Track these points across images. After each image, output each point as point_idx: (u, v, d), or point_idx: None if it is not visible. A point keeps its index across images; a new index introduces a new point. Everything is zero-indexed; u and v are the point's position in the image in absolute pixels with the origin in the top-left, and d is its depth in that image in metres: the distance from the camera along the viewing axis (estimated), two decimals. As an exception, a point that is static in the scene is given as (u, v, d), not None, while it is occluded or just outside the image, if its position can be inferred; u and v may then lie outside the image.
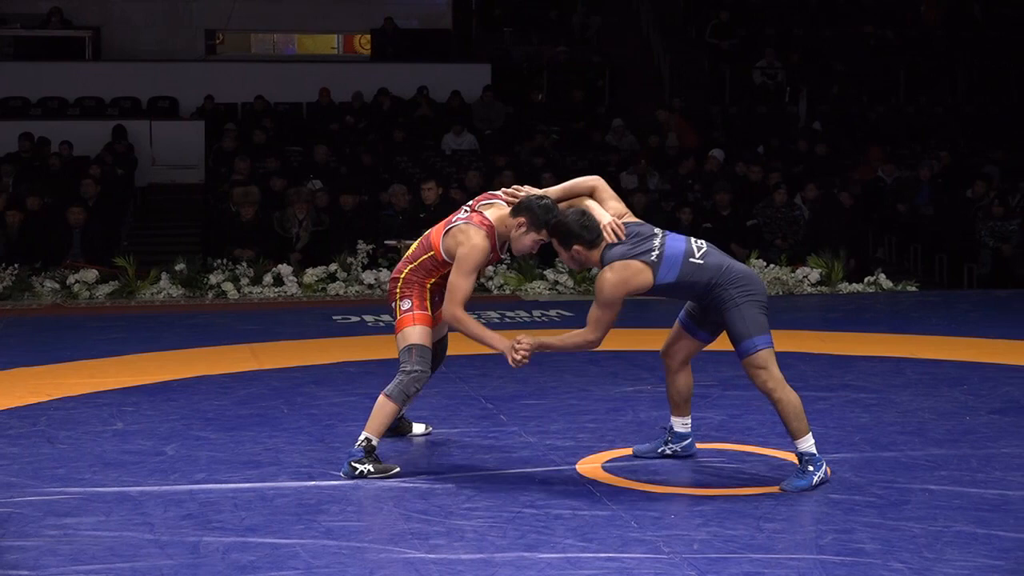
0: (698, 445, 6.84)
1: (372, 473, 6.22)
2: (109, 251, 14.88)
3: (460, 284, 6.26)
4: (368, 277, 14.58)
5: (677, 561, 5.01)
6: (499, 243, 6.41)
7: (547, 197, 6.30)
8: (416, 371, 6.34)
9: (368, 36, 23.48)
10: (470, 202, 6.55)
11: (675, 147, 19.42)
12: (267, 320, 12.44)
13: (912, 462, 6.55)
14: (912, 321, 12.14)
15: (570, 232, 6.12)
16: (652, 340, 9.57)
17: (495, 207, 6.42)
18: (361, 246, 14.84)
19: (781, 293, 14.42)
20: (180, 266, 14.50)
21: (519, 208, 6.26)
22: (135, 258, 14.45)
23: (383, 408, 6.33)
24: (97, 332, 11.50)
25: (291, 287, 14.45)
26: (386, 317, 12.48)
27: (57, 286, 14.10)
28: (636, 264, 6.02)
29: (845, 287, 14.79)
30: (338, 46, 24.93)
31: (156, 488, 6.11)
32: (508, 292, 14.59)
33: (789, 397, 6.08)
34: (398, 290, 6.52)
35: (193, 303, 14.05)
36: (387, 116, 19.99)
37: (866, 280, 14.94)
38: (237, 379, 9.08)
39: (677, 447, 6.68)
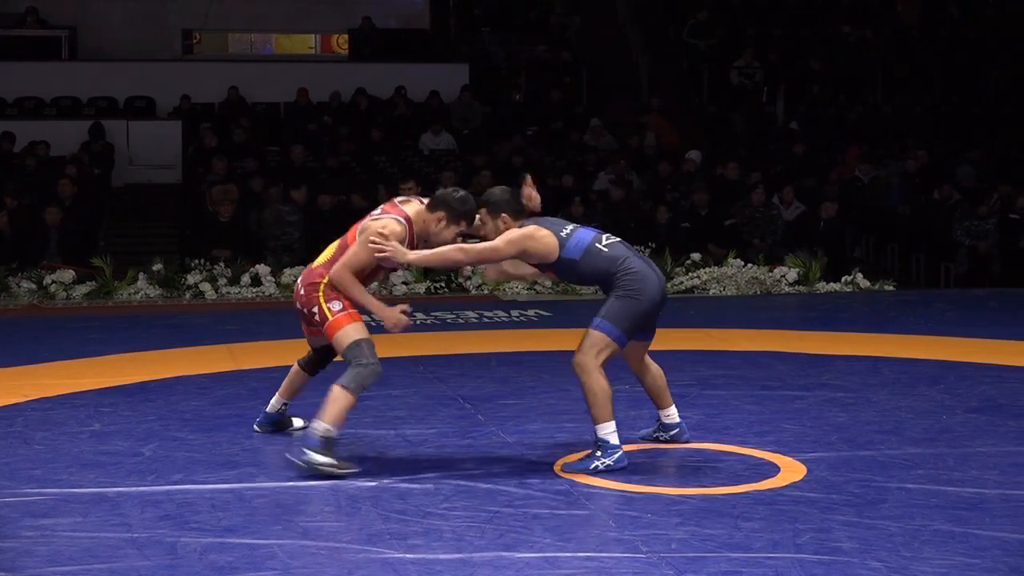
0: (675, 446, 6.86)
1: (333, 467, 6.18)
2: (86, 251, 14.84)
3: (359, 252, 6.45)
4: (346, 277, 14.53)
5: (655, 560, 5.01)
6: (416, 238, 6.58)
7: (462, 190, 6.67)
8: (372, 363, 6.38)
9: (346, 36, 23.46)
10: (382, 205, 6.71)
11: (652, 146, 19.42)
12: (245, 320, 12.41)
13: (889, 461, 6.56)
14: (889, 320, 12.17)
15: (500, 201, 6.56)
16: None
17: (411, 203, 6.63)
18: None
19: (759, 292, 14.46)
20: (158, 266, 14.47)
21: (436, 203, 6.55)
22: (112, 258, 14.41)
23: (341, 399, 6.30)
24: (74, 333, 11.47)
25: (269, 287, 14.42)
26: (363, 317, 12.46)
27: (34, 286, 14.05)
28: (546, 231, 6.44)
29: (823, 286, 14.83)
30: (316, 46, 24.89)
31: (133, 489, 6.09)
32: (486, 292, 14.59)
33: (598, 384, 6.33)
34: (319, 295, 6.53)
35: (171, 303, 14.02)
36: (365, 116, 19.96)
37: (843, 279, 14.98)
38: (215, 379, 9.07)
39: (666, 435, 6.94)
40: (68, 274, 14.20)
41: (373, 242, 6.34)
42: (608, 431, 6.33)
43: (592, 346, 6.35)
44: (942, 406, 7.96)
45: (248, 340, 10.97)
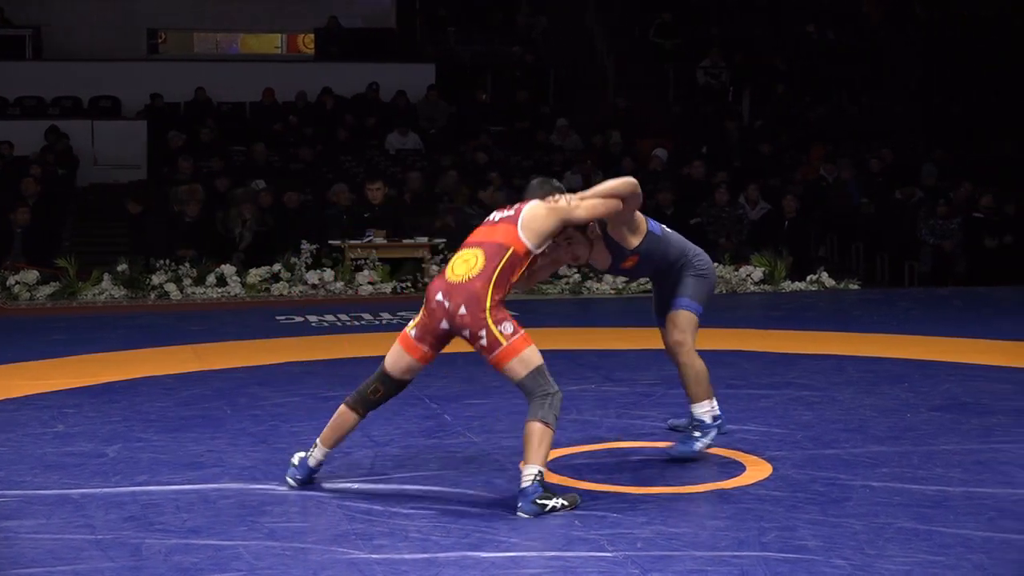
0: (640, 444, 6.87)
1: (566, 507, 5.68)
2: (50, 252, 14.77)
3: (589, 199, 6.04)
4: (312, 277, 14.53)
5: (621, 559, 5.01)
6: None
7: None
8: (558, 390, 5.78)
9: (312, 36, 23.41)
10: (502, 211, 6.08)
11: (618, 144, 19.44)
12: (210, 321, 12.38)
13: (854, 459, 6.58)
14: (854, 319, 12.22)
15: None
16: (596, 340, 9.64)
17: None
18: (305, 246, 14.79)
19: (725, 292, 14.49)
20: (122, 267, 14.42)
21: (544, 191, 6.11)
22: (77, 259, 14.35)
23: (544, 437, 5.68)
24: (38, 333, 11.42)
25: (234, 287, 14.39)
26: (329, 317, 12.46)
27: (-3, 287, 14.00)
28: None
29: (788, 285, 14.88)
30: (282, 45, 24.84)
31: (97, 490, 6.06)
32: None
33: (695, 363, 6.41)
34: (487, 316, 5.72)
35: (135, 304, 13.97)
36: (331, 115, 19.93)
37: (809, 279, 15.04)
38: (180, 380, 9.04)
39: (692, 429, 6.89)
40: (32, 274, 14.13)
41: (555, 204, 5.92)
42: (704, 410, 6.45)
43: (688, 325, 6.42)
44: (906, 404, 7.99)
45: (213, 340, 10.94)
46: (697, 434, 6.44)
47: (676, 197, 16.70)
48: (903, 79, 22.13)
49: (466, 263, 5.81)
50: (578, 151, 19.45)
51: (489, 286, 5.74)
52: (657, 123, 20.94)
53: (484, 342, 5.73)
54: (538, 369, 5.74)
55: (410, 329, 5.95)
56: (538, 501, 5.59)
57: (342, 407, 6.03)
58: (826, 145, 19.60)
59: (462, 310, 5.73)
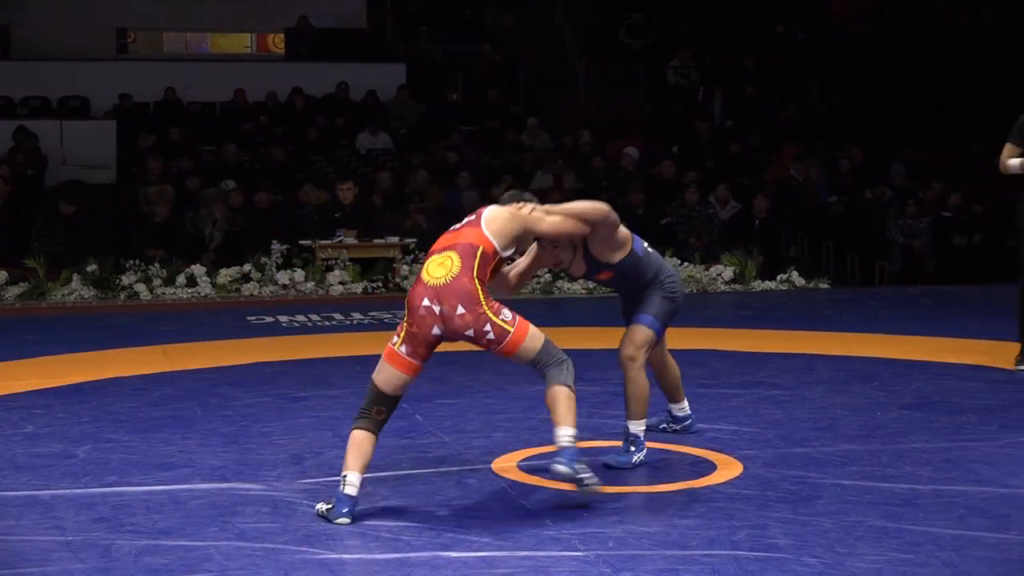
0: (611, 443, 6.88)
1: (595, 487, 5.64)
2: (19, 252, 14.70)
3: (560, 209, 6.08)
4: (282, 277, 14.50)
5: (592, 558, 5.02)
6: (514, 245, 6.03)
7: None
8: (569, 358, 5.76)
9: (282, 35, 23.36)
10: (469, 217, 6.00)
11: (588, 144, 19.45)
12: (180, 321, 12.35)
13: (824, 458, 6.60)
14: (824, 318, 12.26)
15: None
16: (567, 339, 9.62)
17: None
18: (275, 246, 14.76)
19: (695, 291, 14.52)
20: (92, 267, 14.36)
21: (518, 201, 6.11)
22: (46, 259, 14.28)
23: (572, 400, 5.68)
24: (7, 334, 11.37)
25: (205, 288, 14.35)
26: (300, 317, 12.44)
27: (-34, 288, 13.93)
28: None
29: (758, 285, 14.92)
30: (252, 45, 24.77)
31: (67, 491, 6.04)
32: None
33: (641, 381, 6.48)
34: (486, 310, 5.63)
35: (105, 304, 13.91)
36: (301, 115, 19.89)
37: (779, 278, 15.08)
38: (150, 381, 9.01)
39: (677, 427, 7.17)
40: (1, 275, 14.06)
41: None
42: (641, 428, 6.51)
43: (644, 342, 6.48)
44: (876, 403, 8.02)
45: (183, 341, 10.91)
46: (633, 448, 6.47)
47: (647, 197, 16.71)
48: (872, 79, 22.20)
49: (442, 266, 5.69)
50: (548, 151, 19.46)
51: (475, 280, 5.65)
52: (627, 123, 20.95)
53: (492, 336, 5.64)
54: (548, 341, 5.74)
55: (398, 346, 5.73)
56: (576, 464, 5.56)
57: (355, 433, 5.69)
58: (796, 145, 19.65)
59: (460, 310, 5.60)
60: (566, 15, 23.36)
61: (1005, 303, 13.08)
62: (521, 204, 6.02)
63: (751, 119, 20.94)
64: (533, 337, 5.71)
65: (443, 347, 5.81)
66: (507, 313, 5.69)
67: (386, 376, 5.73)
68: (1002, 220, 17.07)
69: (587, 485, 5.60)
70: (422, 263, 5.83)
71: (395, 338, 5.77)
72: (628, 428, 6.52)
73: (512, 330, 5.66)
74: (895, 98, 21.92)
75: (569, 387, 5.67)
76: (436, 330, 5.65)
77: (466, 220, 5.95)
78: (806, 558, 4.98)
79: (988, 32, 22.73)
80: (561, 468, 5.55)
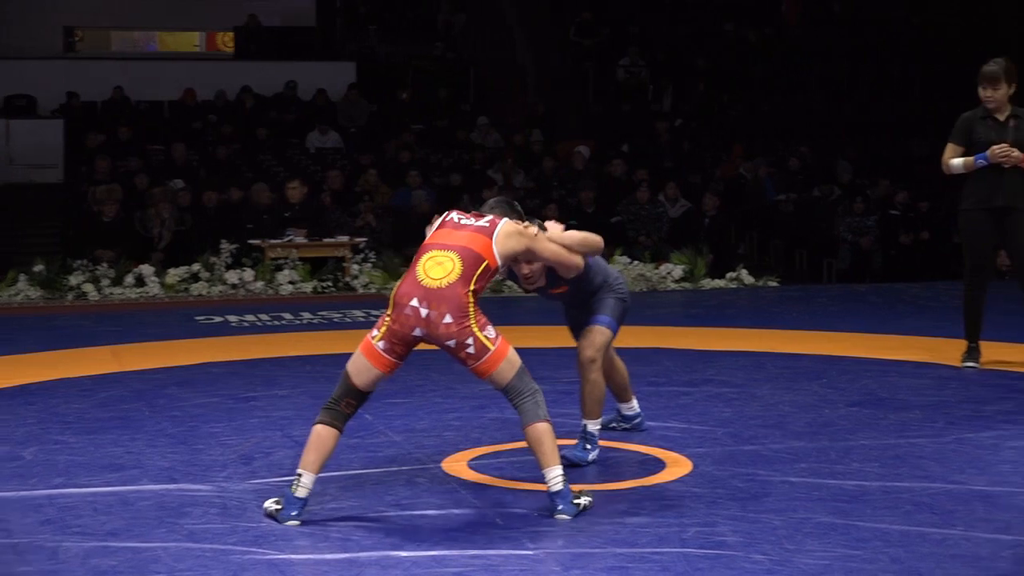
0: (561, 442, 6.88)
1: (589, 504, 5.62)
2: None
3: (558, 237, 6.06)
4: (232, 277, 14.44)
5: (542, 557, 5.02)
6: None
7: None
8: (539, 388, 5.65)
9: (231, 34, 23.26)
10: (457, 214, 5.81)
11: (539, 143, 19.47)
12: (128, 321, 12.28)
13: (773, 455, 6.63)
14: (773, 316, 12.32)
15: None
16: (517, 338, 9.63)
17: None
18: (224, 245, 14.70)
19: (645, 289, 14.55)
20: (39, 267, 14.26)
21: (510, 212, 5.96)
22: (-8, 259, 14.19)
23: (551, 434, 5.57)
24: (-47, 335, 11.28)
25: (153, 287, 14.28)
26: (249, 317, 12.40)
27: (-89, 288, 13.81)
28: None
29: (708, 283, 14.97)
30: (200, 44, 24.67)
31: (13, 494, 5.99)
32: (374, 291, 14.54)
33: (601, 383, 6.57)
34: (472, 323, 5.52)
35: (52, 305, 13.82)
36: (250, 114, 19.82)
37: (728, 276, 15.14)
38: (97, 381, 8.95)
39: (627, 425, 7.24)
40: (-54, 276, 13.97)
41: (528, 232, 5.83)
42: (598, 426, 6.60)
43: (604, 344, 6.54)
44: (824, 400, 8.06)
45: (131, 341, 10.85)
46: (589, 447, 6.54)
47: (597, 195, 16.75)
48: (820, 78, 22.32)
49: (441, 266, 5.52)
50: (499, 149, 19.46)
51: (470, 292, 5.52)
52: (577, 121, 20.99)
53: (472, 350, 5.50)
54: (523, 368, 5.62)
55: (376, 340, 5.57)
56: (575, 501, 5.55)
57: (319, 428, 5.58)
58: (745, 143, 19.73)
59: (447, 319, 5.46)
60: (517, 14, 23.36)
61: (951, 300, 13.19)
62: (527, 224, 5.94)
63: (700, 118, 21.01)
64: (511, 361, 5.59)
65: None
66: (491, 331, 5.57)
67: (358, 369, 5.60)
68: (948, 217, 17.24)
69: (591, 507, 5.63)
70: (418, 255, 5.62)
71: (375, 331, 5.61)
72: (586, 427, 6.56)
73: (493, 349, 5.53)
74: (842, 97, 22.05)
75: (547, 422, 5.58)
76: (418, 332, 5.51)
77: (473, 221, 5.73)
78: (755, 555, 5.00)
79: (931, 34, 22.94)
80: (566, 517, 5.50)
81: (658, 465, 6.45)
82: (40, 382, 8.90)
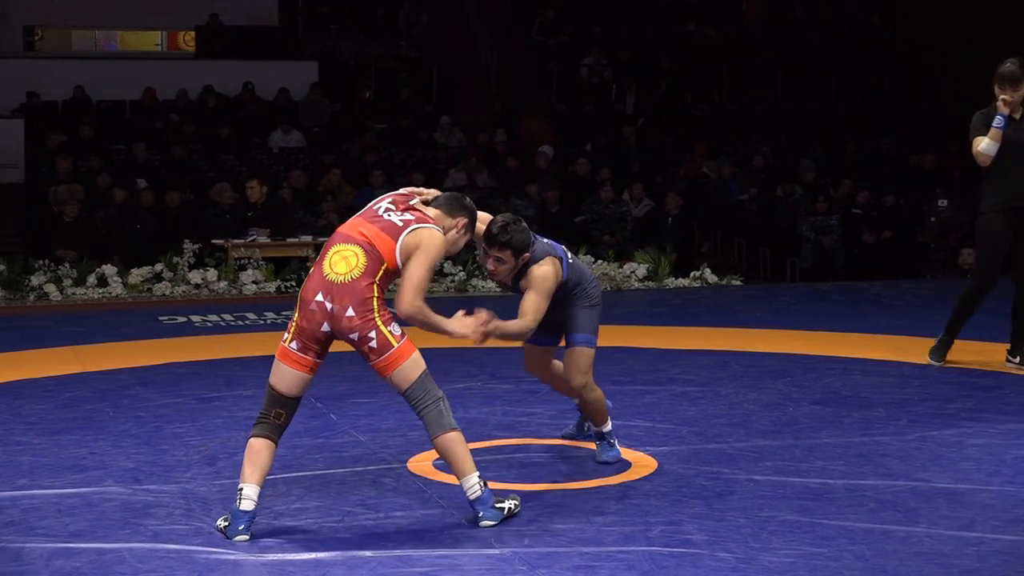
0: (527, 441, 6.90)
1: (515, 508, 5.57)
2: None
3: (423, 274, 5.49)
4: (195, 277, 14.39)
5: (508, 556, 5.03)
6: None
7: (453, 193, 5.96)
8: (443, 393, 5.54)
9: (193, 33, 23.17)
10: (390, 202, 5.68)
11: (503, 143, 19.46)
12: (91, 321, 12.20)
13: (738, 453, 6.66)
14: (737, 315, 12.35)
15: (519, 234, 6.08)
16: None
17: (424, 208, 5.73)
18: (187, 245, 14.64)
19: (609, 288, 14.56)
20: (0, 267, 14.18)
21: (455, 207, 5.74)
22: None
23: (461, 442, 5.48)
24: (-87, 336, 11.19)
25: (116, 288, 14.20)
26: (213, 317, 12.35)
27: None
28: (555, 260, 6.22)
29: (671, 282, 15.00)
30: (162, 43, 24.56)
31: (-24, 495, 5.96)
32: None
33: (598, 394, 6.43)
34: (376, 316, 5.42)
35: (14, 306, 13.74)
36: (213, 113, 19.75)
37: (692, 275, 15.18)
38: (60, 382, 8.90)
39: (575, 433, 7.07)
40: (-94, 277, 13.86)
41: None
42: (609, 426, 6.52)
43: (589, 365, 6.37)
44: (788, 398, 8.10)
45: (94, 342, 10.79)
46: (612, 441, 6.50)
47: (561, 194, 16.77)
48: (782, 78, 22.40)
49: (346, 261, 5.45)
50: (462, 149, 19.45)
51: (374, 285, 5.43)
52: (540, 120, 21.00)
53: (374, 344, 5.40)
54: (426, 373, 5.47)
55: (288, 343, 5.48)
56: (496, 506, 5.49)
57: (252, 441, 5.45)
58: (708, 142, 19.78)
59: (349, 311, 5.38)
60: (479, 13, 23.35)
61: (913, 299, 13.30)
62: (460, 227, 5.74)
63: (664, 117, 21.05)
64: (415, 362, 5.46)
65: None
66: (397, 328, 5.45)
67: (280, 376, 5.51)
68: (910, 217, 17.35)
69: (517, 511, 5.59)
70: (326, 246, 5.54)
71: (286, 335, 5.53)
72: (600, 431, 6.51)
73: (396, 345, 5.41)
74: (804, 97, 22.14)
75: (455, 429, 5.46)
76: (325, 327, 5.42)
77: (396, 215, 5.59)
78: (720, 553, 5.03)
79: (894, 33, 23.05)
80: (489, 523, 5.44)
81: (623, 464, 6.46)
82: (2, 383, 8.84)
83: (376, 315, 5.40)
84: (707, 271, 15.27)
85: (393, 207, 5.64)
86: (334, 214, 16.13)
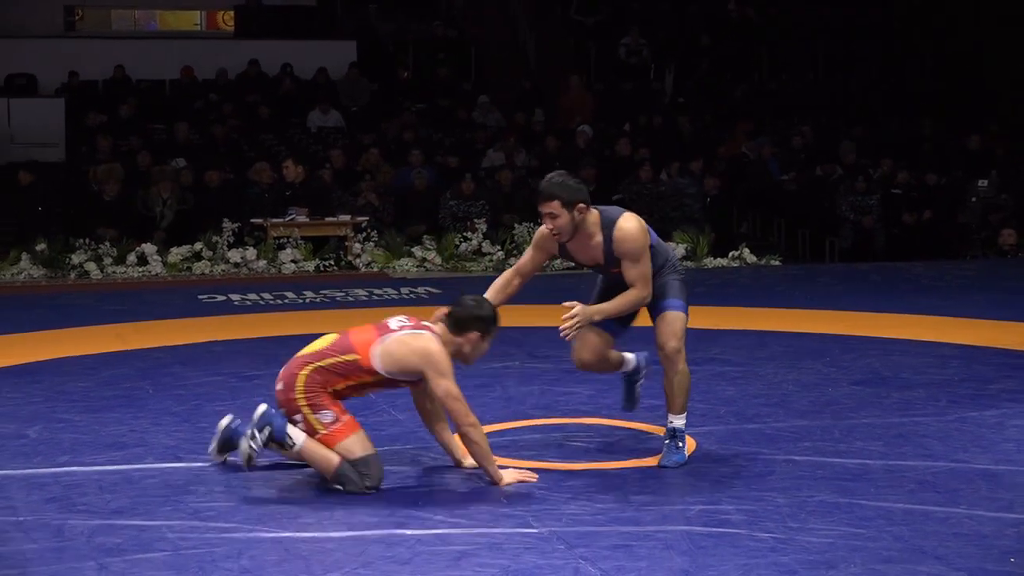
0: (565, 421, 6.89)
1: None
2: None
3: (449, 386, 5.72)
4: (234, 256, 14.44)
5: (546, 535, 5.03)
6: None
7: (470, 298, 6.01)
8: (373, 488, 5.64)
9: (232, 12, 23.20)
10: (395, 322, 5.82)
11: (540, 122, 19.42)
12: (131, 300, 12.27)
13: (776, 433, 6.65)
14: (776, 295, 12.32)
15: (573, 189, 6.26)
16: (519, 317, 9.65)
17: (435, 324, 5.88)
18: (226, 224, 14.69)
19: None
20: (41, 246, 14.26)
21: (462, 323, 5.85)
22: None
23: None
24: (-44, 314, 11.28)
25: (155, 266, 14.28)
26: (252, 296, 12.39)
27: (-86, 267, 13.80)
28: (635, 215, 6.22)
29: (710, 262, 14.97)
30: (201, 22, 24.59)
31: (19, 472, 6.00)
32: (376, 269, 14.55)
33: (687, 371, 6.23)
34: (301, 398, 5.68)
35: (55, 284, 13.83)
36: (252, 93, 19.77)
37: (730, 255, 15.14)
38: (101, 360, 8.96)
39: (639, 377, 6.87)
40: (-52, 255, 13.97)
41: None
42: (683, 421, 6.20)
43: (684, 330, 6.26)
44: (827, 379, 8.08)
45: (135, 320, 10.85)
46: (680, 444, 6.16)
47: (599, 174, 16.73)
48: (823, 57, 22.27)
49: (313, 343, 5.84)
50: (500, 128, 19.43)
51: (311, 368, 5.68)
52: (579, 100, 20.93)
53: (302, 425, 5.69)
54: (365, 459, 5.63)
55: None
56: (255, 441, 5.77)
57: None
58: (748, 122, 19.68)
59: (279, 385, 5.77)
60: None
61: (954, 279, 13.23)
62: (468, 342, 5.87)
63: (703, 97, 20.95)
64: (350, 449, 5.63)
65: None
66: (328, 415, 5.65)
67: (358, 441, 5.73)
68: (951, 197, 17.23)
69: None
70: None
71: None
72: (672, 423, 6.18)
73: (322, 433, 5.64)
74: (845, 76, 22.00)
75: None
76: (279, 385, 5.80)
77: (403, 325, 5.77)
78: (759, 533, 5.02)
79: (935, 12, 22.86)
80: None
81: (662, 444, 6.44)
82: (44, 361, 8.91)
83: (299, 396, 5.68)
84: (746, 251, 15.23)
85: (409, 321, 5.82)
86: (372, 193, 16.15)
